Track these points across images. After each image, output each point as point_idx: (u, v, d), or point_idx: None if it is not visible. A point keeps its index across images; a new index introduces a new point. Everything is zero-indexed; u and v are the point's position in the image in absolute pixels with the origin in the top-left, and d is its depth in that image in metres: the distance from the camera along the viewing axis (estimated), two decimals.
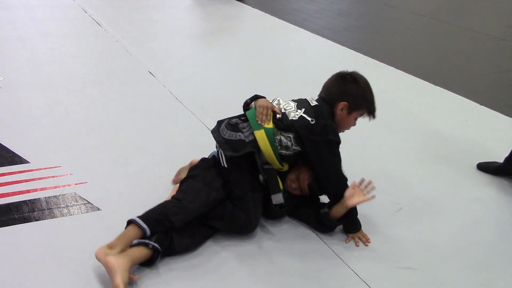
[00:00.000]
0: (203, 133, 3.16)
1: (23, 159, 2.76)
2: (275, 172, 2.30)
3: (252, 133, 2.25)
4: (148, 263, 2.01)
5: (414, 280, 2.07)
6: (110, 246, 1.97)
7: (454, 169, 2.95)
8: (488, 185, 2.81)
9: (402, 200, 2.61)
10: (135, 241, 1.99)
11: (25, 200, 2.41)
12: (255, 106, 2.33)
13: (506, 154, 2.87)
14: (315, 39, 5.66)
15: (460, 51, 5.66)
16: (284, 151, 2.26)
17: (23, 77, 3.99)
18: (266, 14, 6.70)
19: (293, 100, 2.36)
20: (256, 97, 2.41)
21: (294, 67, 4.64)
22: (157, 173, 2.70)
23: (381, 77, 4.52)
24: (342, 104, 2.27)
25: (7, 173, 2.63)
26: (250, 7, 7.06)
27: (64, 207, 2.38)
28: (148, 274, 1.99)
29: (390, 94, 4.10)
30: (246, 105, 2.44)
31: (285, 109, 2.30)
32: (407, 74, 4.58)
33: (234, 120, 2.36)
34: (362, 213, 2.48)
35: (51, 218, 2.30)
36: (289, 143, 2.24)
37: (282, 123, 2.26)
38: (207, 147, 3.01)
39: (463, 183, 2.82)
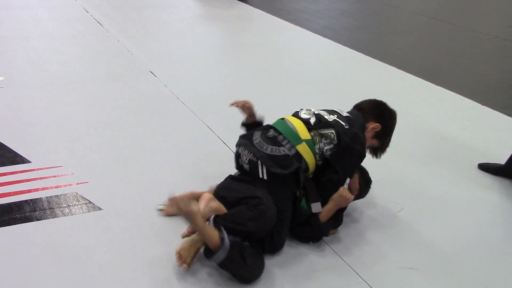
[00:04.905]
0: (204, 133, 3.16)
1: (25, 158, 2.77)
2: (313, 182, 2.23)
3: (294, 147, 2.17)
4: (209, 254, 1.95)
5: (415, 280, 2.07)
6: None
7: (455, 169, 2.95)
8: (489, 185, 2.81)
9: (403, 200, 2.60)
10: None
11: (27, 200, 2.42)
12: (282, 119, 2.29)
13: (507, 154, 2.87)
14: (317, 39, 5.65)
15: (462, 51, 5.66)
16: (319, 162, 2.22)
17: (25, 77, 4.00)
18: (268, 14, 6.69)
19: (321, 109, 2.32)
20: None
21: (295, 67, 4.64)
22: (158, 173, 2.71)
23: (382, 77, 4.52)
24: (376, 125, 2.31)
25: (9, 173, 2.63)
26: (252, 7, 7.06)
27: (65, 206, 2.39)
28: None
29: (391, 94, 4.09)
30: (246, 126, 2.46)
31: (318, 112, 2.27)
32: (408, 74, 4.57)
33: (270, 133, 2.23)
34: (363, 213, 2.49)
35: (52, 217, 2.30)
36: (327, 146, 2.18)
37: (320, 122, 2.21)
38: (208, 146, 3.02)
39: (464, 183, 2.82)
